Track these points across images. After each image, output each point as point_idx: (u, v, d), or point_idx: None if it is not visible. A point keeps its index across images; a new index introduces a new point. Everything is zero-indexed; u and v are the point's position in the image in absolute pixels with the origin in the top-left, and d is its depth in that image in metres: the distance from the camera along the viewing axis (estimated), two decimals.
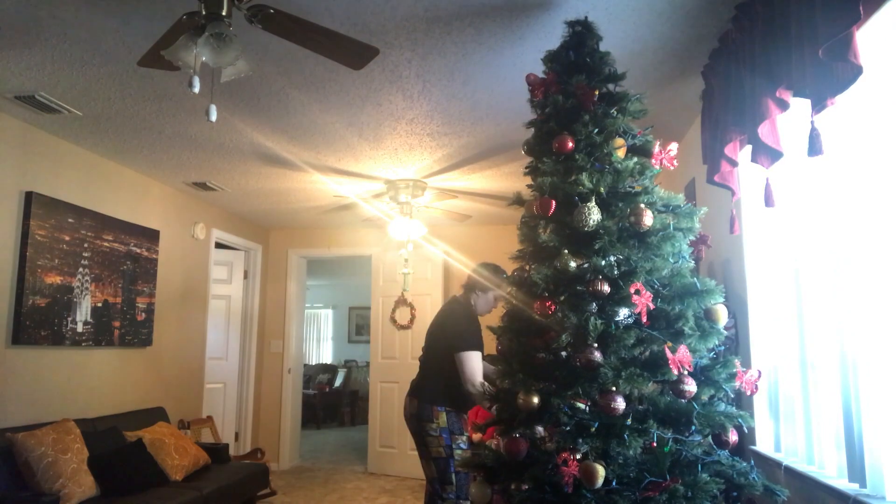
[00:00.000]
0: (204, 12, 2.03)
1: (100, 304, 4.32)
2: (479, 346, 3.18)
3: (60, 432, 3.51)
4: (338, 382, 10.76)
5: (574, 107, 2.09)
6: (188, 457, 4.25)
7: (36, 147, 3.86)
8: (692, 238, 2.03)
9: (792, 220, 2.41)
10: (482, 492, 2.04)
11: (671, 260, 1.94)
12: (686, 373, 1.77)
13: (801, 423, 2.35)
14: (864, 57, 1.57)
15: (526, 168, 2.29)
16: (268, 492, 5.06)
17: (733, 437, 1.83)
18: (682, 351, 1.77)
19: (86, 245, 4.20)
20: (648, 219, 1.89)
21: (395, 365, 6.63)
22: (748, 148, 2.30)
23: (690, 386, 1.76)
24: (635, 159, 2.04)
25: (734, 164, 2.53)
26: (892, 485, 1.73)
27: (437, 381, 3.23)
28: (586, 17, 2.30)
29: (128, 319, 4.61)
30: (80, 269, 4.14)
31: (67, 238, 4.03)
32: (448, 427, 3.15)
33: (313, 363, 11.82)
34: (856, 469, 1.87)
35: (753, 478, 1.81)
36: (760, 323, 2.72)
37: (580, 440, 1.80)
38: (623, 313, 1.89)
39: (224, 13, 2.04)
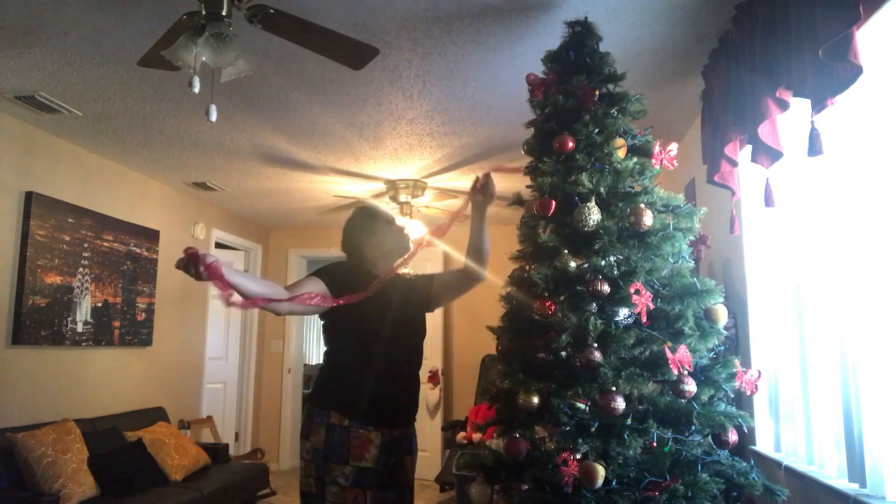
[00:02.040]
0: (204, 12, 2.03)
1: (100, 304, 4.32)
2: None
3: (60, 432, 3.51)
4: None
5: (574, 107, 2.09)
6: (188, 457, 4.25)
7: (36, 147, 3.86)
8: (692, 238, 2.03)
9: (792, 220, 2.41)
10: (482, 492, 2.03)
11: (671, 260, 1.94)
12: (686, 373, 1.76)
13: (801, 423, 2.34)
14: (864, 57, 1.57)
15: (526, 168, 2.29)
16: (268, 492, 5.06)
17: (733, 437, 1.83)
18: (682, 351, 1.77)
19: (86, 245, 4.20)
20: (648, 219, 1.89)
21: None
22: (748, 148, 2.29)
23: (690, 386, 1.76)
24: (635, 159, 2.04)
25: (734, 164, 2.53)
26: (892, 485, 1.73)
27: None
28: (586, 18, 2.29)
29: (128, 319, 4.60)
30: (80, 269, 4.14)
31: (67, 238, 4.03)
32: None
33: (313, 363, 11.80)
34: (856, 469, 1.86)
35: (753, 478, 1.81)
36: (760, 323, 2.71)
37: (580, 440, 1.80)
38: (623, 313, 1.89)
39: (224, 13, 2.04)
